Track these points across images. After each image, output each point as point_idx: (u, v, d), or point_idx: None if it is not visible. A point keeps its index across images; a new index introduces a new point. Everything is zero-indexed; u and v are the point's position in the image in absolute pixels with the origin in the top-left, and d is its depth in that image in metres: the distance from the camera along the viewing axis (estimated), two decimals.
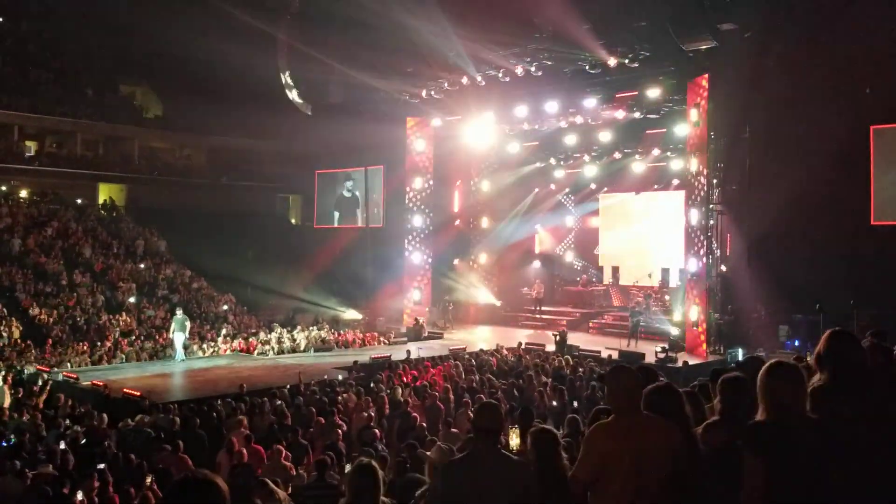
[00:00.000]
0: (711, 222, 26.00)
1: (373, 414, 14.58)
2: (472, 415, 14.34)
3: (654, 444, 4.50)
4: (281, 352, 27.15)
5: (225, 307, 32.74)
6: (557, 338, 25.40)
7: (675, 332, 26.31)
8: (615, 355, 23.64)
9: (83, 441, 13.29)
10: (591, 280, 36.44)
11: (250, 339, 28.17)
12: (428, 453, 9.49)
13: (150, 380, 21.35)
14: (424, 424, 13.55)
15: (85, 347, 25.75)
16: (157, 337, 27.61)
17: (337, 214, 42.41)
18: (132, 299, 31.20)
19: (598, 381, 5.18)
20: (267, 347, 27.23)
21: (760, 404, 4.08)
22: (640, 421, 4.61)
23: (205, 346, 27.33)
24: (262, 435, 13.36)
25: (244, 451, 11.61)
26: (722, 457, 4.41)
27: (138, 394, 18.05)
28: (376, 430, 13.32)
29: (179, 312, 25.85)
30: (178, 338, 25.08)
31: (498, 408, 5.13)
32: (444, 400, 15.87)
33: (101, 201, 42.12)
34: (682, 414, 4.84)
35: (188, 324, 25.92)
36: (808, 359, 6.36)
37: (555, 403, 15.50)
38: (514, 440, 5.88)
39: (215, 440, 13.06)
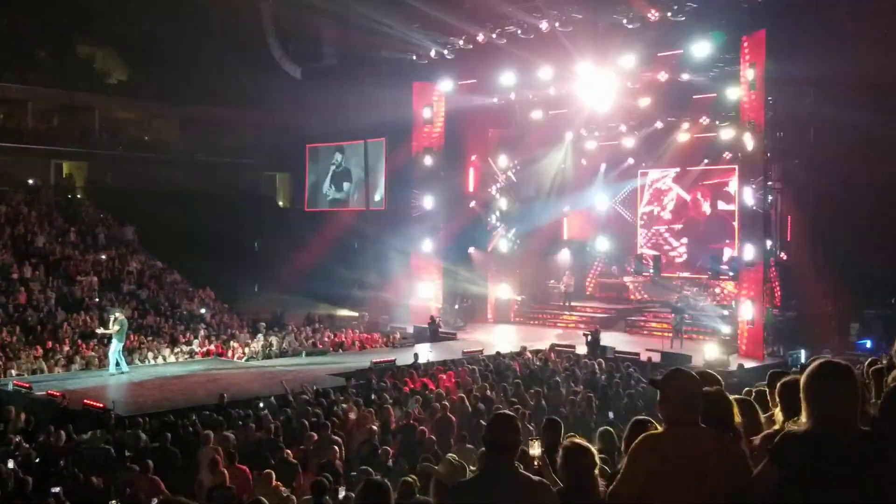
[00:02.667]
0: (770, 200, 25.90)
1: (376, 428, 14.59)
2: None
3: (713, 464, 4.42)
4: (267, 356, 27.21)
5: (203, 310, 32.66)
6: (589, 338, 25.38)
7: (726, 330, 26.25)
8: (657, 358, 23.62)
9: (37, 460, 13.35)
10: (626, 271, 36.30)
11: (231, 342, 28.25)
12: (436, 468, 9.49)
13: (115, 389, 21.43)
14: (434, 438, 13.55)
15: (38, 352, 25.80)
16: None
17: (332, 195, 42.46)
18: (97, 298, 31.23)
19: (649, 385, 5.16)
20: (251, 350, 27.32)
21: (803, 410, 4.05)
22: (699, 435, 4.53)
23: (178, 349, 27.40)
24: (247, 452, 13.38)
25: (226, 471, 11.64)
26: None
27: (101, 406, 18.10)
28: (384, 447, 13.30)
29: (119, 314, 24.56)
30: (114, 345, 23.87)
31: (513, 419, 5.07)
32: (457, 411, 15.88)
33: (56, 181, 42.19)
34: (731, 425, 4.82)
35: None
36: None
37: (586, 414, 15.52)
38: (535, 450, 5.81)
39: (191, 458, 13.10)
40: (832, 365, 4.10)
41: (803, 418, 4.04)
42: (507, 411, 5.65)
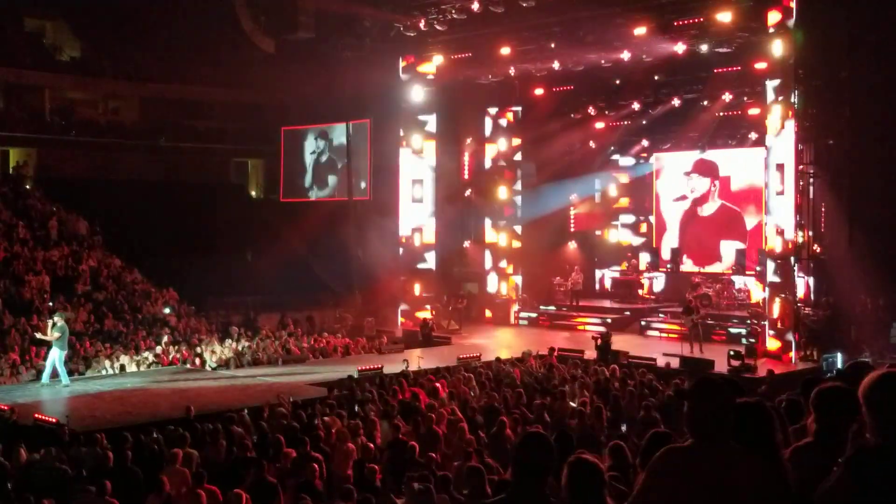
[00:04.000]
0: (801, 185, 25.86)
1: (370, 444, 14.60)
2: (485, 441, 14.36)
3: (745, 486, 4.34)
4: (239, 364, 27.18)
5: (167, 310, 32.57)
6: (599, 342, 25.39)
7: (752, 332, 26.25)
8: (675, 363, 23.65)
9: None
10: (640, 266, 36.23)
11: (199, 349, 28.20)
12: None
13: (70, 402, 21.38)
14: (434, 456, 13.49)
15: None
16: (77, 345, 27.57)
17: (310, 184, 42.35)
18: (50, 302, 31.12)
19: (678, 397, 5.06)
20: (219, 358, 27.30)
21: (869, 424, 4.01)
22: (730, 452, 4.45)
23: (140, 357, 27.34)
24: (217, 472, 13.35)
25: (202, 492, 11.58)
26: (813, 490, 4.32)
27: (54, 420, 18.05)
28: (371, 465, 13.27)
29: (59, 319, 24.15)
30: (55, 354, 23.50)
31: (547, 440, 5.07)
32: (451, 424, 15.85)
33: (2, 170, 42.03)
34: (771, 444, 4.73)
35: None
36: None
37: (596, 427, 15.51)
38: None
39: (154, 479, 13.05)
40: (893, 376, 4.08)
41: (869, 433, 4.01)
42: (539, 431, 5.62)
